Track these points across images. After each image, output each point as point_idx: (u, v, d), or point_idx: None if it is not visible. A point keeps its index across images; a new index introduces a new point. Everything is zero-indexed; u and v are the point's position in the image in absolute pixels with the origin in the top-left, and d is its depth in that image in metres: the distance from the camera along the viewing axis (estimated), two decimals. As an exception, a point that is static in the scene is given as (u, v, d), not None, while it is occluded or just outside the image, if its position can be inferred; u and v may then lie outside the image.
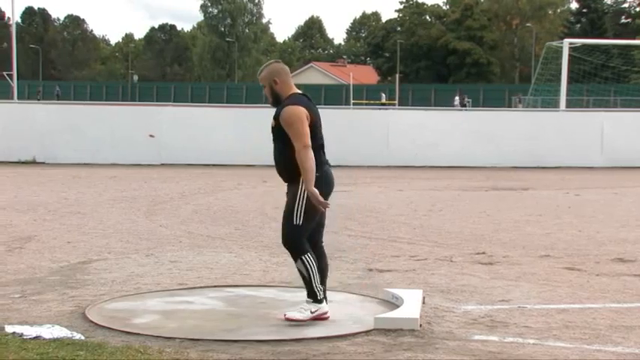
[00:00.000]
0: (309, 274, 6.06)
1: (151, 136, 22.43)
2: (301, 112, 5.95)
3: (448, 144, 23.20)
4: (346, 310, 6.59)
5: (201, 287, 7.38)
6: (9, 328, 5.70)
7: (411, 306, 6.33)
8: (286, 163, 6.02)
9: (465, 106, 56.45)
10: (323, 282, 6.21)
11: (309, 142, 5.90)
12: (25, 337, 5.50)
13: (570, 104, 42.46)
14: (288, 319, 6.07)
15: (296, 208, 5.98)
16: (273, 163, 6.26)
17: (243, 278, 7.85)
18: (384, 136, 23.16)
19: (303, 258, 6.04)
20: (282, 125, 5.97)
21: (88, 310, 6.33)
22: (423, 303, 6.62)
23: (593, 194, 16.54)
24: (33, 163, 22.01)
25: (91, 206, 13.28)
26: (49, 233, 10.40)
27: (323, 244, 6.33)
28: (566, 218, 12.71)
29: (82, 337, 5.57)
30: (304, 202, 5.95)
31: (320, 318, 6.11)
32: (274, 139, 6.10)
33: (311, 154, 5.89)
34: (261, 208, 13.25)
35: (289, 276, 7.97)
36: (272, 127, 6.09)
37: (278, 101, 6.11)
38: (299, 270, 6.11)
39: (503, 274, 8.24)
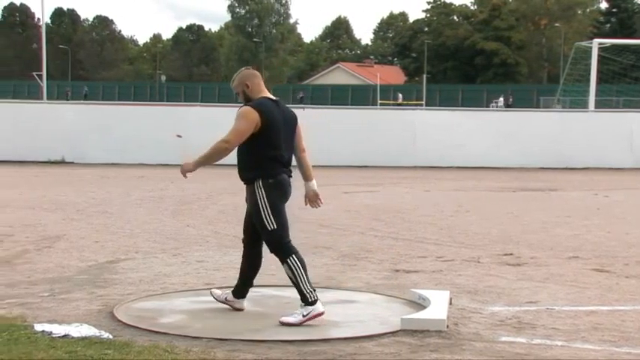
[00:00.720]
0: (296, 277, 6.09)
1: (178, 136, 22.50)
2: (251, 114, 6.05)
3: (475, 144, 23.11)
4: (372, 310, 6.58)
5: (227, 287, 7.39)
6: (38, 327, 5.74)
7: (437, 307, 6.31)
8: (244, 163, 6.20)
9: (509, 106, 55.69)
10: (247, 282, 6.42)
11: (234, 142, 6.07)
12: (53, 336, 5.54)
13: (599, 105, 42.12)
14: (281, 323, 6.09)
15: (264, 215, 6.11)
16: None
17: (268, 278, 7.85)
18: (410, 136, 23.12)
19: (289, 261, 6.10)
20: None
21: (116, 309, 6.37)
22: (450, 304, 6.60)
23: (622, 195, 16.40)
24: (62, 162, 22.19)
25: (119, 206, 13.36)
26: (77, 232, 10.48)
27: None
28: (595, 219, 12.61)
29: (110, 336, 5.61)
30: (267, 206, 6.11)
31: (315, 317, 6.08)
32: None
33: (224, 151, 6.09)
34: (286, 208, 13.24)
35: (316, 276, 7.96)
36: None
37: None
38: (287, 274, 6.15)
39: (530, 275, 8.19)
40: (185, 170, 6.25)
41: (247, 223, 6.42)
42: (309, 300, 6.08)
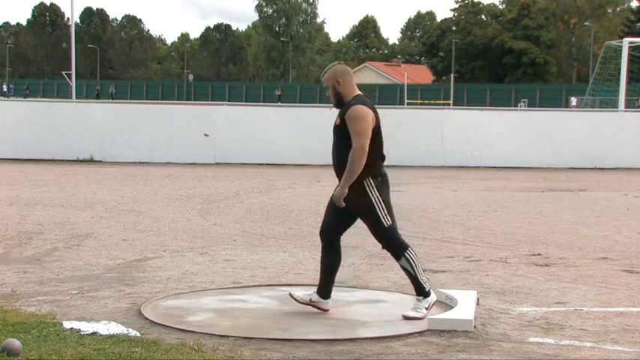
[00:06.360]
0: (414, 270, 6.18)
1: (206, 135, 22.62)
2: (369, 113, 6.04)
3: (503, 144, 22.98)
4: (400, 310, 6.56)
5: (254, 286, 7.42)
6: (67, 324, 5.79)
7: (465, 307, 6.28)
8: None
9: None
10: (333, 275, 6.37)
11: (366, 145, 5.98)
12: (82, 333, 5.59)
13: (629, 104, 41.77)
14: (405, 318, 6.17)
15: (379, 211, 6.12)
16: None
17: (296, 277, 7.87)
18: (438, 136, 23.05)
19: (406, 254, 6.18)
20: (348, 122, 6.03)
21: (144, 308, 6.40)
22: (478, 304, 6.57)
23: (652, 196, 16.23)
24: (91, 161, 22.36)
25: (147, 204, 13.43)
26: (105, 231, 10.54)
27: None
28: (625, 220, 12.49)
29: (138, 334, 5.64)
30: (381, 202, 6.11)
31: (432, 306, 6.25)
32: (338, 139, 6.16)
33: (364, 158, 5.98)
34: (314, 207, 13.26)
35: (343, 275, 7.96)
36: (336, 126, 6.16)
37: (341, 101, 6.20)
38: (403, 268, 6.22)
39: (559, 276, 8.13)
40: (339, 199, 6.06)
41: (331, 220, 6.31)
42: (426, 290, 6.20)
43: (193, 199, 14.23)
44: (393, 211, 6.24)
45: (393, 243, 6.19)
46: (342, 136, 6.10)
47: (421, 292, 6.22)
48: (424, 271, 6.33)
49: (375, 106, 6.29)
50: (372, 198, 6.10)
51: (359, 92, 6.23)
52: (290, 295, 6.48)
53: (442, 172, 21.24)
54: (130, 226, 11.03)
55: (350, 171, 6.00)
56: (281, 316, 6.32)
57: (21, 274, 7.74)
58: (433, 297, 6.27)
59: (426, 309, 6.18)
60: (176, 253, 9.08)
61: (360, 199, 6.11)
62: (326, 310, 6.38)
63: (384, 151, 6.25)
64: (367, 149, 5.99)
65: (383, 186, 6.17)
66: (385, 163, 6.31)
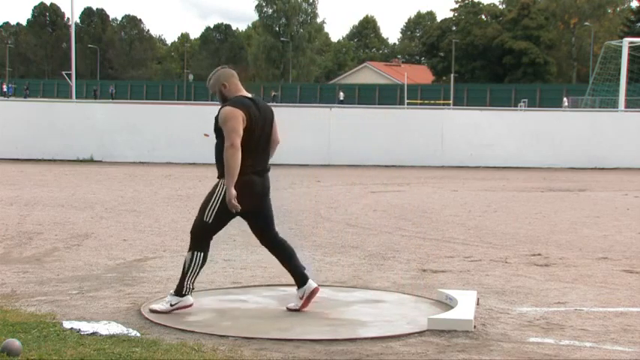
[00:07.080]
0: (188, 270, 6.24)
1: (206, 135, 22.61)
2: (237, 112, 6.10)
3: (503, 144, 22.99)
4: (400, 310, 6.57)
5: (254, 286, 7.42)
6: (67, 324, 5.79)
7: (465, 307, 6.28)
8: (220, 159, 6.18)
9: None
10: (293, 263, 6.52)
11: (238, 143, 6.04)
12: (82, 333, 5.59)
13: (629, 104, 41.79)
14: (150, 310, 6.26)
15: (210, 206, 6.21)
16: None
17: (296, 277, 7.86)
18: (438, 136, 23.05)
19: (196, 253, 6.23)
20: (220, 124, 6.15)
21: (144, 308, 6.40)
22: (478, 304, 6.57)
23: (652, 196, 16.23)
24: (91, 161, 22.36)
25: (147, 204, 13.43)
26: (105, 231, 10.55)
27: (278, 232, 6.67)
28: (625, 220, 12.50)
29: (138, 334, 5.64)
30: (219, 203, 6.17)
31: (181, 308, 6.30)
32: (217, 139, 6.27)
33: (237, 154, 6.04)
34: (314, 207, 13.26)
35: (343, 276, 7.97)
36: (214, 127, 6.27)
37: None
38: (185, 259, 6.30)
39: (559, 276, 8.14)
40: (231, 202, 6.07)
41: (254, 228, 6.57)
42: (183, 292, 6.27)
43: (193, 199, 14.23)
44: (227, 220, 6.28)
45: (196, 236, 6.25)
46: (219, 136, 6.20)
47: (178, 291, 6.28)
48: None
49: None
50: (215, 194, 6.20)
51: (242, 93, 6.31)
52: (287, 309, 6.47)
53: (442, 172, 21.24)
54: (130, 226, 11.03)
55: (227, 169, 6.06)
56: (281, 316, 6.32)
57: (21, 274, 7.74)
58: (186, 301, 6.28)
59: (172, 305, 6.24)
60: (176, 253, 9.07)
61: (210, 189, 6.25)
62: (316, 290, 6.41)
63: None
64: (239, 145, 6.03)
65: (239, 189, 6.08)
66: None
